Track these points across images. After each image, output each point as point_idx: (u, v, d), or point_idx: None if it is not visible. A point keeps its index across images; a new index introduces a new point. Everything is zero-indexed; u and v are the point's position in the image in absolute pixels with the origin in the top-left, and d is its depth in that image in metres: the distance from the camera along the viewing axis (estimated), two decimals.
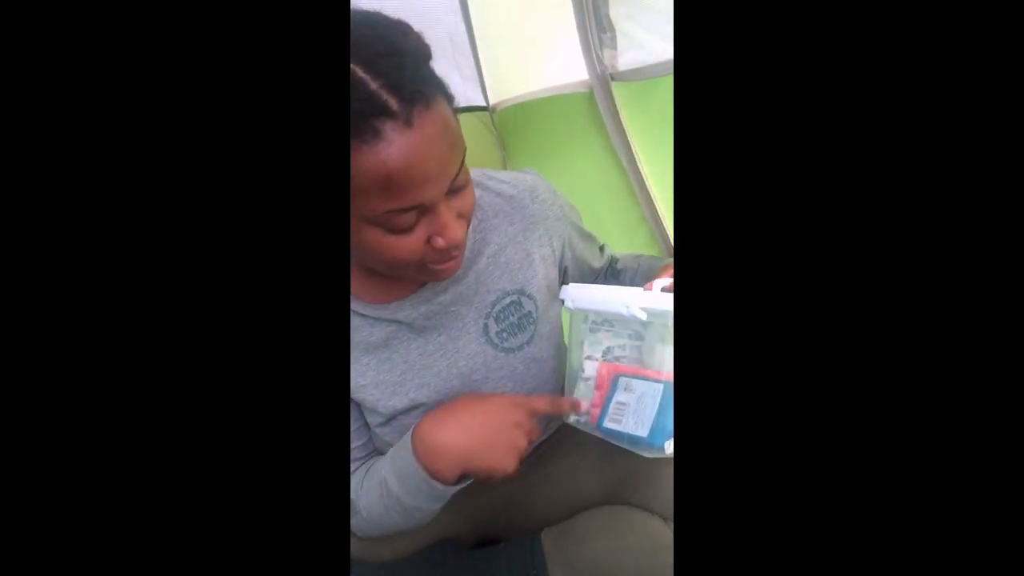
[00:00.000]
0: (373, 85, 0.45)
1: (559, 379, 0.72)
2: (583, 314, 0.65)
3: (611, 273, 0.81)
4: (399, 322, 0.64)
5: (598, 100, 1.14)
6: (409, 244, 0.51)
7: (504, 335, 0.67)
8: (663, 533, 0.69)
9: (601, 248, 0.80)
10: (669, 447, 0.54)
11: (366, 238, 0.51)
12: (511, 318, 0.68)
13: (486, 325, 0.67)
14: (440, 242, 0.52)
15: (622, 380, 0.60)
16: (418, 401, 0.65)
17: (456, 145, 0.51)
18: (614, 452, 0.67)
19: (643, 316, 0.56)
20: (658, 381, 0.56)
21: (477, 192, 0.67)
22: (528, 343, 0.68)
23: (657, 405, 0.55)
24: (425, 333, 0.65)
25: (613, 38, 1.11)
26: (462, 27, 1.64)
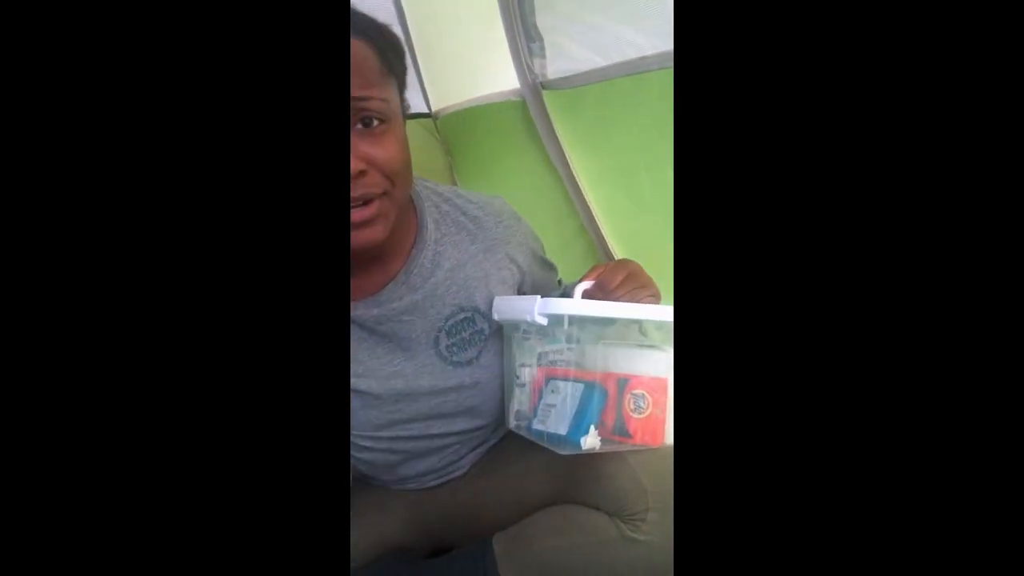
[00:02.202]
0: None
1: (501, 387, 0.75)
2: (514, 324, 0.68)
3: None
4: (351, 320, 0.66)
5: (530, 108, 1.16)
6: None
7: (454, 349, 0.70)
8: (609, 528, 0.71)
9: (559, 281, 0.84)
10: (585, 443, 0.58)
11: None
12: (463, 333, 0.70)
13: (437, 338, 0.69)
14: None
15: (550, 383, 0.63)
16: (356, 387, 0.67)
17: (369, 78, 0.56)
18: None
19: (543, 321, 0.59)
20: (580, 381, 0.60)
21: (444, 207, 0.72)
22: (477, 359, 0.71)
23: (577, 404, 0.59)
24: (375, 336, 0.67)
25: (542, 47, 1.13)
26: (400, 35, 1.64)
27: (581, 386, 0.60)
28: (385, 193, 0.58)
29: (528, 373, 0.67)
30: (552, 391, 0.62)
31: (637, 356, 0.62)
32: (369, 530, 0.78)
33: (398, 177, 0.58)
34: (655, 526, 0.69)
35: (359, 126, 0.56)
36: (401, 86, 0.62)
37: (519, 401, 0.68)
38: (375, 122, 0.56)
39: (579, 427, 0.58)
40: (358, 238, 0.58)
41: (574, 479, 0.76)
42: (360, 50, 0.56)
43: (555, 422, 0.60)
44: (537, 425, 0.63)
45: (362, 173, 0.55)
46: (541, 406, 0.63)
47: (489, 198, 0.75)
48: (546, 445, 0.62)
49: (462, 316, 0.70)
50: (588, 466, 0.75)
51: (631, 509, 0.71)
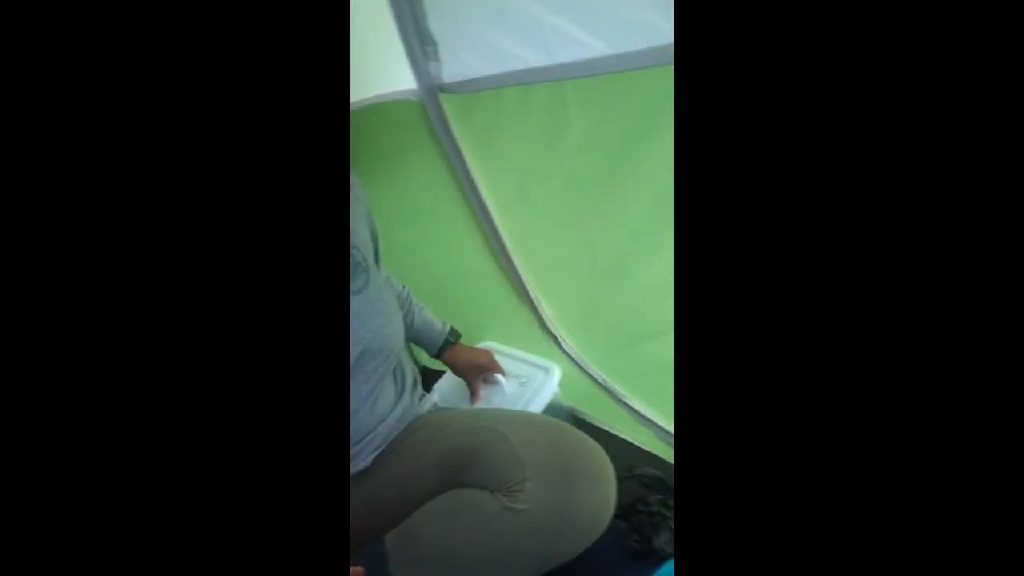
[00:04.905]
0: None
1: (399, 317, 0.88)
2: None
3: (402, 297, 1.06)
4: None
5: (428, 109, 1.19)
6: None
7: None
8: (491, 503, 0.74)
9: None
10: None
11: None
12: None
13: None
14: None
15: None
16: None
17: None
18: (443, 440, 0.77)
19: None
20: None
21: None
22: (365, 287, 0.82)
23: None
24: None
25: (436, 51, 1.14)
26: None
27: None
28: None
29: None
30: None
31: None
32: None
33: None
34: (532, 495, 0.72)
35: None
36: None
37: None
38: None
39: None
40: None
41: (456, 464, 0.80)
42: None
43: None
44: None
45: None
46: None
47: None
48: None
49: None
50: (468, 449, 0.80)
51: (510, 481, 0.74)
